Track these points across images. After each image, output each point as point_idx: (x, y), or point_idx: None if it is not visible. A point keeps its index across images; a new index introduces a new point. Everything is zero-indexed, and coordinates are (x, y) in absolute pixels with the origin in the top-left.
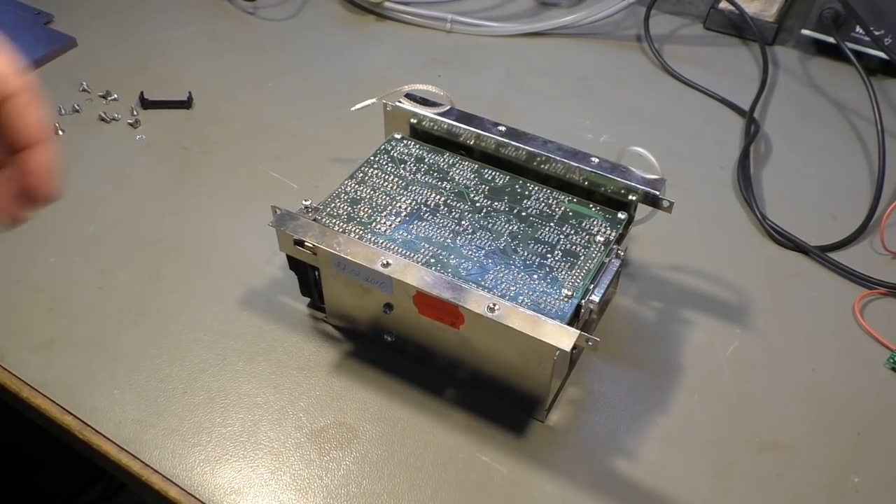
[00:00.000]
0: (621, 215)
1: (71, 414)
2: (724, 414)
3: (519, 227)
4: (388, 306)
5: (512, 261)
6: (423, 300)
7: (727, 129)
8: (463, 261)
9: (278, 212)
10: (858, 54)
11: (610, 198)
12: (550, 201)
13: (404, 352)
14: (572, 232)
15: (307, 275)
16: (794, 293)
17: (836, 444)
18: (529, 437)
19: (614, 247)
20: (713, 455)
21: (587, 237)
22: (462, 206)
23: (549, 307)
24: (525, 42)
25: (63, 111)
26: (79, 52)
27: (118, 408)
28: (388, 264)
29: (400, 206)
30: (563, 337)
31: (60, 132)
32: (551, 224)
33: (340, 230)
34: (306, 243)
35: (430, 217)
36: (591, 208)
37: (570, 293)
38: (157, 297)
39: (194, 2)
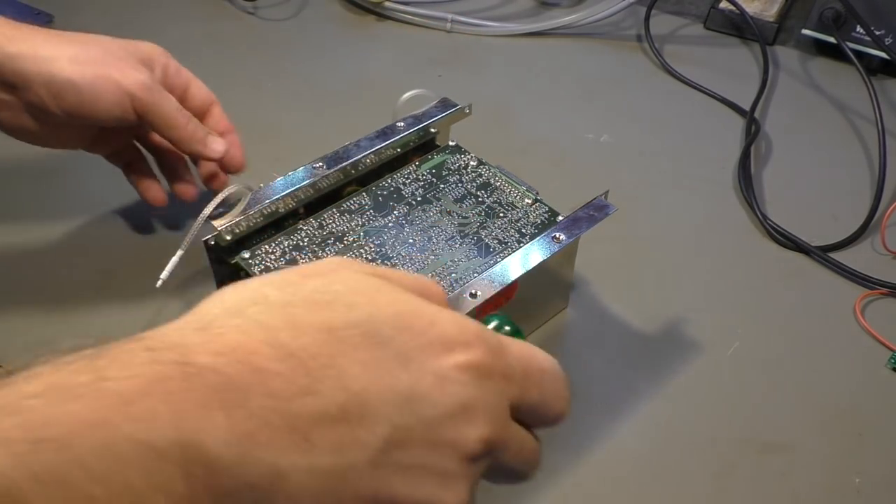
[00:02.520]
0: (451, 143)
1: None
2: (725, 414)
3: (421, 213)
4: None
5: (464, 234)
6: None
7: (727, 129)
8: (408, 265)
9: None
10: (859, 54)
11: (420, 145)
12: (414, 178)
13: None
14: (454, 181)
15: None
16: (795, 293)
17: (838, 444)
18: None
19: (483, 164)
20: (714, 455)
21: (465, 173)
22: (372, 238)
23: (528, 230)
24: (525, 42)
25: None
26: None
27: None
28: None
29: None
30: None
31: None
32: (435, 192)
33: None
34: None
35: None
36: (432, 157)
37: (529, 201)
38: (158, 296)
39: (194, 2)
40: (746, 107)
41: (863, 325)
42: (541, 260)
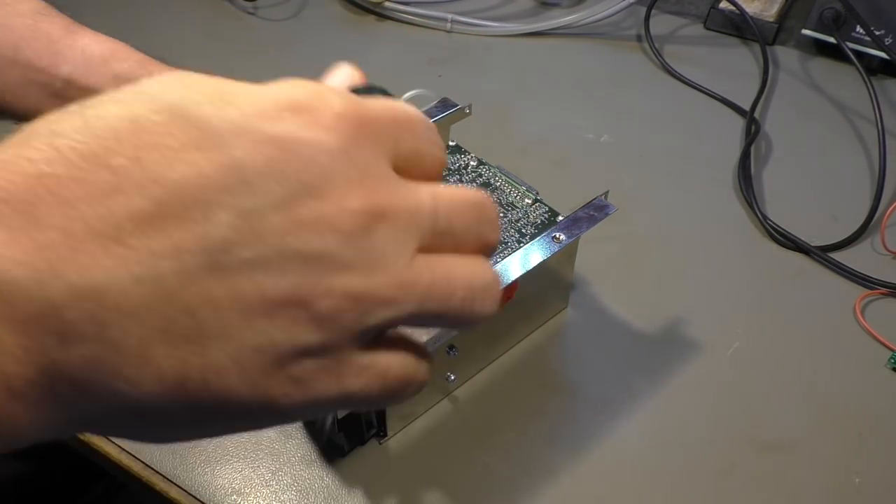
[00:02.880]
0: (451, 143)
1: None
2: (725, 414)
3: None
4: (453, 347)
5: None
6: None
7: (727, 129)
8: None
9: None
10: (859, 54)
11: None
12: None
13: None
14: (454, 181)
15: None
16: (795, 293)
17: (838, 444)
18: (524, 446)
19: (483, 164)
20: (713, 455)
21: (465, 173)
22: None
23: (528, 230)
24: (525, 42)
25: None
26: None
27: None
28: None
29: None
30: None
31: None
32: None
33: None
34: None
35: None
36: None
37: (529, 201)
38: None
39: (194, 2)
40: (746, 107)
41: (863, 325)
42: (541, 260)
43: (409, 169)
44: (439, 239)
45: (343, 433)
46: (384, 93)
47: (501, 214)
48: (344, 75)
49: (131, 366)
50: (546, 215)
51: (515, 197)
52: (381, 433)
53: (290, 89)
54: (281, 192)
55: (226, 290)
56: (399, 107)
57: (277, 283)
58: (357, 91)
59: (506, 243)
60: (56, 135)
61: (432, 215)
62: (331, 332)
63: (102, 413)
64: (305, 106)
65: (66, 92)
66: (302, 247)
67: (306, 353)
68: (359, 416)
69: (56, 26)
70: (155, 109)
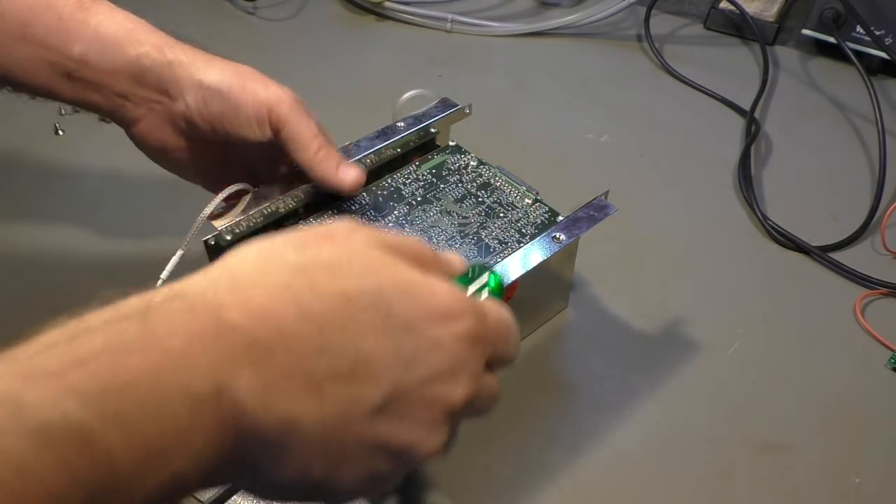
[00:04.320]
0: (451, 143)
1: None
2: (725, 414)
3: (421, 213)
4: None
5: (465, 234)
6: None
7: (728, 129)
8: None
9: None
10: (859, 54)
11: (425, 143)
12: (414, 178)
13: None
14: (454, 181)
15: None
16: (795, 293)
17: (838, 444)
18: (524, 446)
19: (483, 164)
20: (713, 455)
21: (465, 174)
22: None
23: (528, 230)
24: (525, 42)
25: (63, 111)
26: None
27: None
28: None
29: None
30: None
31: (60, 132)
32: (435, 192)
33: None
34: None
35: None
36: (433, 157)
37: (529, 201)
38: None
39: (194, 2)
40: (746, 107)
41: (863, 325)
42: (541, 260)
43: (493, 361)
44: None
45: None
46: (483, 269)
47: (501, 215)
48: (457, 264)
49: (288, 470)
50: (546, 215)
51: (515, 197)
52: None
53: (449, 301)
54: (424, 376)
55: (369, 433)
56: (505, 320)
57: (400, 434)
58: (466, 276)
59: (506, 243)
60: (295, 292)
61: (494, 388)
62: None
63: (249, 483)
64: (455, 315)
65: (80, 72)
66: (425, 414)
67: (388, 475)
68: None
69: (69, 2)
70: (361, 291)
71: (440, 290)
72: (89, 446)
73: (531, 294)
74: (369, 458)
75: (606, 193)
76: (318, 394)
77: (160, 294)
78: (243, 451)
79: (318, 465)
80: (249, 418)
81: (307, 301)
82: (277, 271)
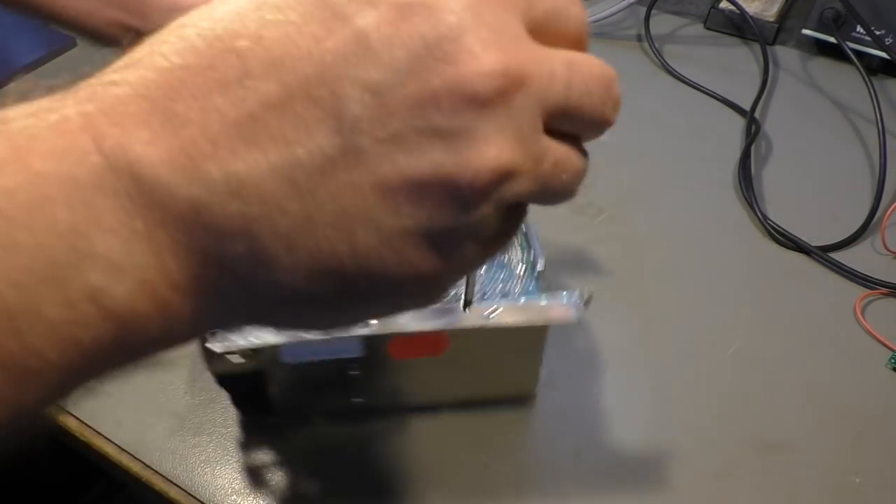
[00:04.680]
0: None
1: (71, 415)
2: (725, 414)
3: None
4: (357, 367)
5: None
6: (404, 342)
7: (728, 129)
8: None
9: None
10: (859, 54)
11: None
12: None
13: (376, 407)
14: None
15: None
16: (795, 293)
17: (837, 444)
18: (524, 446)
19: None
20: (713, 455)
21: None
22: None
23: (515, 289)
24: None
25: None
26: (78, 53)
27: (119, 408)
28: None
29: None
30: (561, 311)
31: None
32: None
33: None
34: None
35: None
36: None
37: (524, 266)
38: None
39: None
40: (746, 107)
41: (863, 325)
42: (479, 326)
43: (546, 32)
44: (564, 114)
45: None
46: None
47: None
48: None
49: (284, 255)
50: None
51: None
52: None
53: None
54: (407, 58)
55: (365, 175)
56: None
57: (418, 163)
58: None
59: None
60: (183, 25)
61: (566, 88)
62: (476, 209)
63: (261, 303)
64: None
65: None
66: (437, 120)
67: (453, 229)
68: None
69: None
70: None
71: None
72: None
73: (473, 362)
74: (392, 206)
75: (587, 297)
76: (256, 135)
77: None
78: (201, 255)
79: (317, 237)
80: (176, 206)
81: (204, 27)
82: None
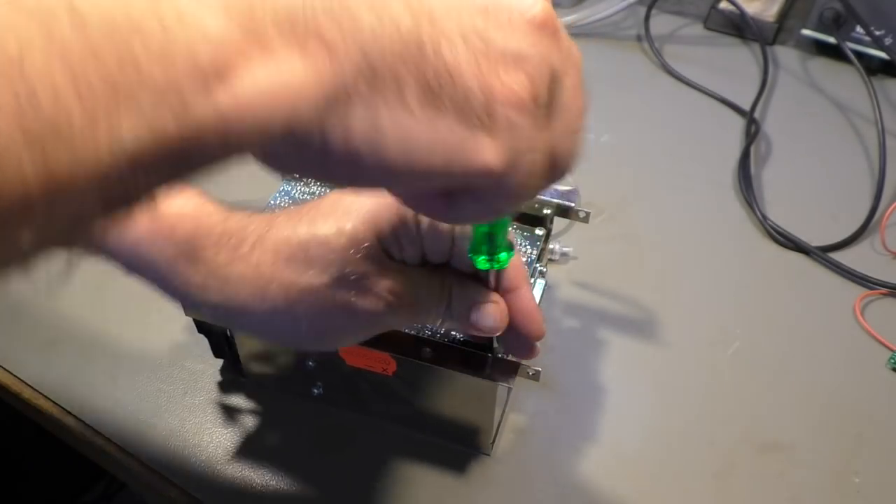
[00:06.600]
0: (539, 231)
1: (72, 415)
2: (725, 414)
3: None
4: (312, 360)
5: None
6: (350, 350)
7: (727, 129)
8: None
9: None
10: (859, 54)
11: (524, 214)
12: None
13: (336, 402)
14: None
15: (217, 336)
16: (795, 293)
17: (837, 444)
18: (524, 446)
19: (536, 265)
20: (713, 455)
21: None
22: None
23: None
24: None
25: None
26: None
27: (119, 409)
28: None
29: None
30: (502, 373)
31: None
32: None
33: None
34: None
35: None
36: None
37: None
38: (158, 297)
39: None
40: (746, 107)
41: (863, 325)
42: (412, 360)
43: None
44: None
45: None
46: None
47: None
48: None
49: (391, 111)
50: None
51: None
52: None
53: None
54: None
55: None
56: (576, 52)
57: (507, 42)
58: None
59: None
60: None
61: (579, 71)
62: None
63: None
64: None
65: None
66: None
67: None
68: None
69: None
70: None
71: None
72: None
73: (422, 399)
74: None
75: (538, 373)
76: None
77: None
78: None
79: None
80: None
81: None
82: None
